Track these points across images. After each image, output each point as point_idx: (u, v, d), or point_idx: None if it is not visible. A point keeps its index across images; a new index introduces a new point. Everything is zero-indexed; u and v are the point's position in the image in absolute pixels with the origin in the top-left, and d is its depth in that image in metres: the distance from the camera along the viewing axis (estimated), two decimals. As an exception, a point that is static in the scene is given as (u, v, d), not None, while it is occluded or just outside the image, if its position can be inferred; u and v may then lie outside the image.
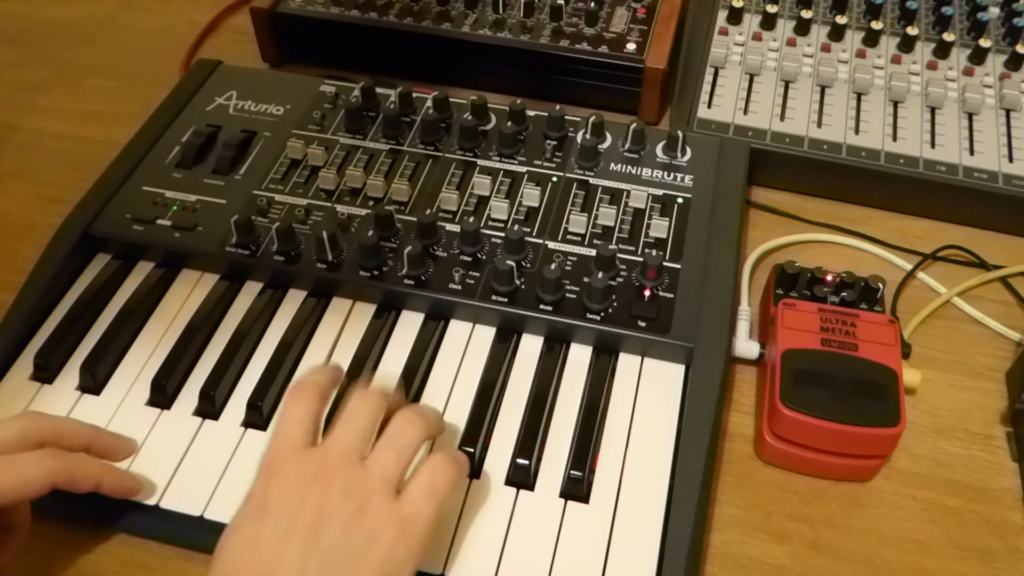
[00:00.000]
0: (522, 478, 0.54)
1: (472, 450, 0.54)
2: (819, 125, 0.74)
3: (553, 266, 0.61)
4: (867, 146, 0.72)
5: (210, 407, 0.57)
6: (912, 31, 0.79)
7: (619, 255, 0.62)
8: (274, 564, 0.42)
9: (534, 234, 0.64)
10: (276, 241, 0.62)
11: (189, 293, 0.64)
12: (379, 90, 0.74)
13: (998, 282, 0.68)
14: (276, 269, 0.63)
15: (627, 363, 0.59)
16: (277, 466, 0.46)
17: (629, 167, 0.69)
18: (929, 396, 0.61)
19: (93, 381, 0.58)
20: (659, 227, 0.64)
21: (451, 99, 0.73)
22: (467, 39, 0.80)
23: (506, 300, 0.60)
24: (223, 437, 0.56)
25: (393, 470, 0.46)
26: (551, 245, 0.63)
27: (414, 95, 0.73)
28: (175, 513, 0.53)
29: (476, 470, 0.54)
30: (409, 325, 0.62)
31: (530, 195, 0.66)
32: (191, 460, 0.55)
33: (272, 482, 0.45)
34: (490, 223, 0.65)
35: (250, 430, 0.56)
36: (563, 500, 0.53)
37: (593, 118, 0.70)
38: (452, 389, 0.58)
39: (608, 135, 0.71)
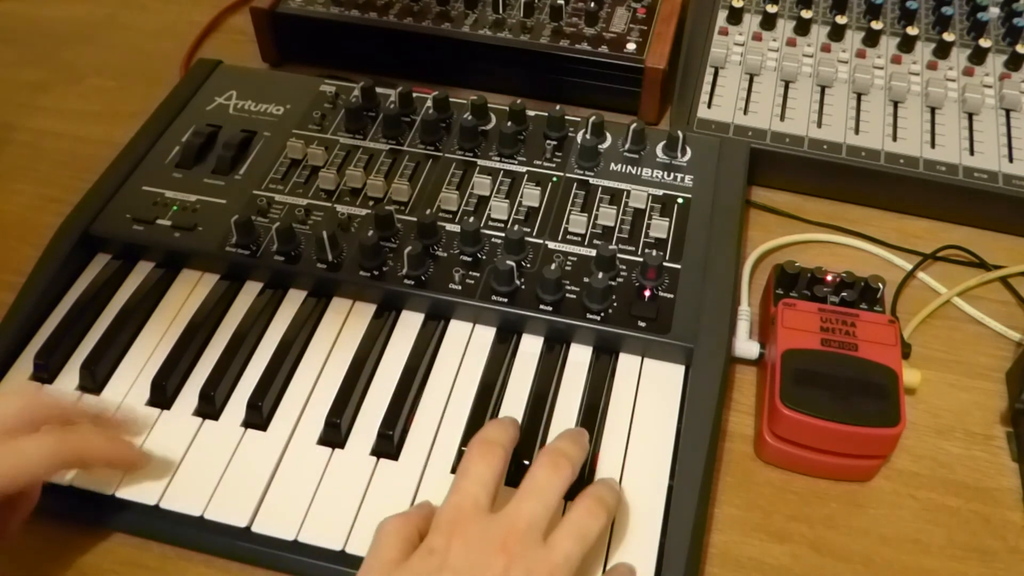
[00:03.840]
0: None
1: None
2: (819, 125, 0.74)
3: (553, 266, 0.61)
4: (867, 146, 0.72)
5: (210, 407, 0.57)
6: (912, 31, 0.79)
7: (619, 255, 0.62)
8: None
9: (534, 234, 0.64)
10: (276, 241, 0.62)
11: (189, 293, 0.64)
12: (379, 90, 0.74)
13: (998, 282, 0.68)
14: (276, 269, 0.63)
15: (627, 363, 0.59)
16: (461, 525, 0.45)
17: (629, 167, 0.69)
18: (929, 396, 0.61)
19: (93, 381, 0.58)
20: (659, 227, 0.64)
21: (451, 99, 0.73)
22: (467, 39, 0.80)
23: (506, 300, 0.60)
24: (223, 437, 0.56)
25: (575, 561, 0.45)
26: (551, 245, 0.63)
27: (414, 95, 0.73)
28: (175, 513, 0.53)
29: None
30: (409, 325, 0.62)
31: (530, 195, 0.66)
32: (191, 460, 0.55)
33: (455, 540, 0.44)
34: (490, 223, 0.65)
35: (250, 430, 0.56)
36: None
37: (593, 118, 0.70)
38: (452, 389, 0.58)
39: (608, 135, 0.71)
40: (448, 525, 0.45)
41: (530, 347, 0.61)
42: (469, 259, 0.62)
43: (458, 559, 0.43)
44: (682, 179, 0.68)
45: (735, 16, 0.82)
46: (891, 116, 0.74)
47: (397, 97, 0.73)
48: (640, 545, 0.51)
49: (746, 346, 0.62)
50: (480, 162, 0.69)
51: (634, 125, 0.70)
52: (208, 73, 0.77)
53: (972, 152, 0.72)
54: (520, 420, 0.56)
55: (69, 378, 0.59)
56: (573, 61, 0.79)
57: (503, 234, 0.63)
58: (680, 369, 0.59)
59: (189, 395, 0.58)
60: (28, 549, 0.51)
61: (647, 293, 0.60)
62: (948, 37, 0.78)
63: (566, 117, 0.71)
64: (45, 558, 0.53)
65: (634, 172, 0.68)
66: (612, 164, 0.69)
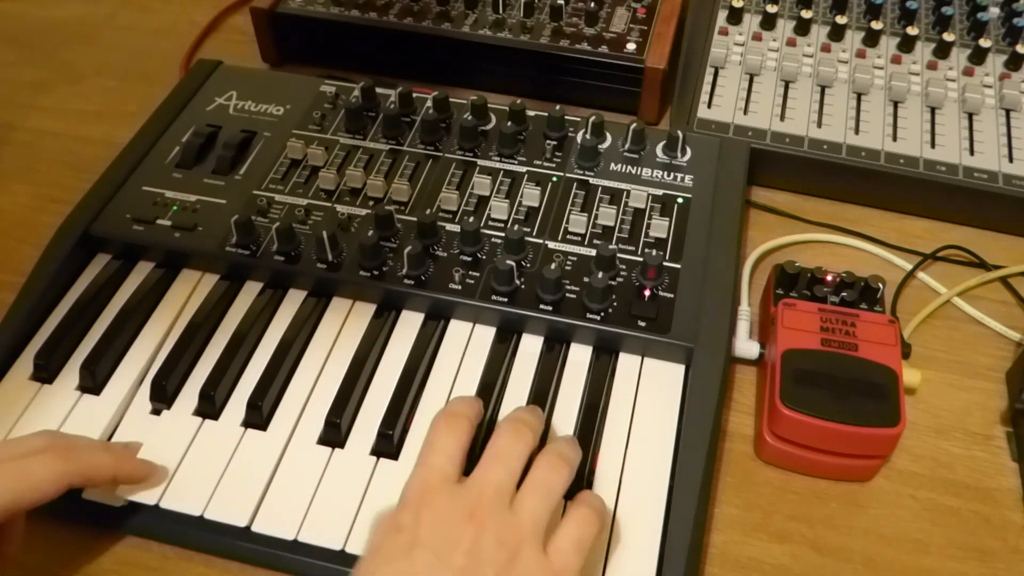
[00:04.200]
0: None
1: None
2: (819, 125, 0.74)
3: (553, 266, 0.61)
4: (867, 146, 0.72)
5: (210, 407, 0.57)
6: (912, 31, 0.79)
7: (619, 255, 0.62)
8: None
9: (534, 234, 0.64)
10: (276, 241, 0.62)
11: (189, 293, 0.64)
12: (379, 90, 0.74)
13: (998, 282, 0.68)
14: (276, 269, 0.63)
15: (627, 363, 0.59)
16: (429, 498, 0.45)
17: (629, 167, 0.69)
18: (929, 396, 0.61)
19: (93, 381, 0.58)
20: (659, 227, 0.64)
21: (451, 99, 0.73)
22: (467, 39, 0.80)
23: (506, 300, 0.60)
24: (223, 437, 0.56)
25: (543, 519, 0.45)
26: (551, 245, 0.63)
27: (414, 95, 0.73)
28: (175, 513, 0.53)
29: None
30: (409, 325, 0.62)
31: (530, 195, 0.66)
32: (191, 460, 0.55)
33: (424, 515, 0.44)
34: (490, 223, 0.65)
35: (250, 430, 0.56)
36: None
37: (593, 118, 0.70)
38: (452, 389, 0.58)
39: (608, 135, 0.71)
40: (416, 501, 0.45)
41: (530, 347, 0.60)
42: (469, 259, 0.62)
43: (428, 533, 0.43)
44: (682, 179, 0.68)
45: (735, 16, 0.82)
46: (891, 116, 0.74)
47: (397, 97, 0.73)
48: (640, 545, 0.51)
49: (746, 346, 0.62)
50: (480, 162, 0.69)
51: (634, 125, 0.70)
52: (208, 73, 0.77)
53: (972, 152, 0.72)
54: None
55: (69, 378, 0.59)
56: (573, 61, 0.79)
57: (503, 234, 0.63)
58: (680, 369, 0.59)
59: (189, 395, 0.58)
60: (28, 549, 0.51)
61: (647, 293, 0.60)
62: (948, 37, 0.78)
63: (566, 117, 0.71)
64: (45, 558, 0.53)
65: (634, 172, 0.68)
66: (612, 164, 0.69)
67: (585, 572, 0.49)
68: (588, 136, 0.70)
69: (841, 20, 0.80)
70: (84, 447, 0.51)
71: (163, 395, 0.57)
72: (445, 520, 0.44)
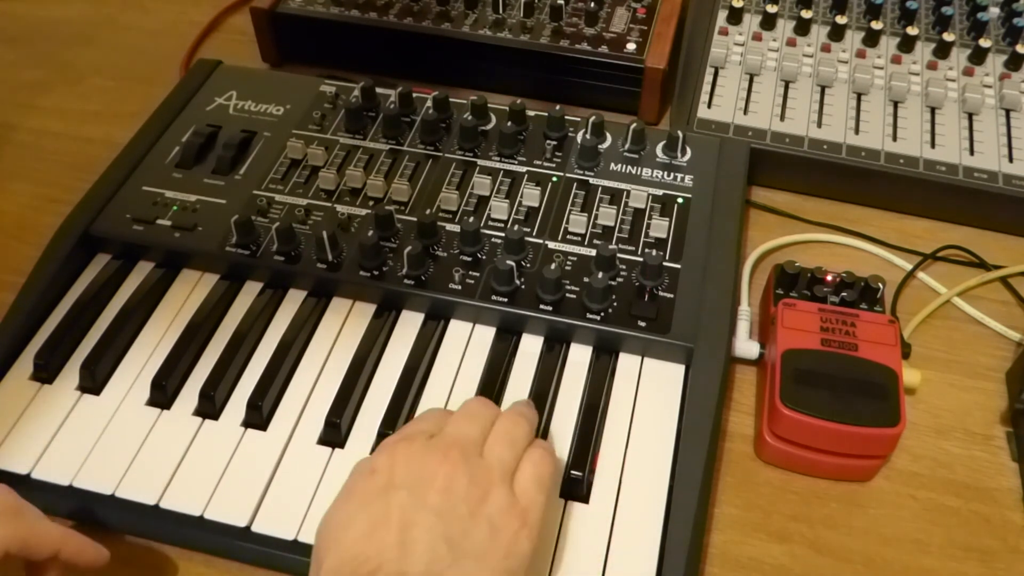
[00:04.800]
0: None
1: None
2: (819, 125, 0.74)
3: (553, 266, 0.61)
4: (867, 146, 0.72)
5: (210, 407, 0.57)
6: (912, 31, 0.79)
7: (619, 255, 0.62)
8: (401, 545, 0.42)
9: (534, 234, 0.64)
10: (276, 241, 0.62)
11: (189, 293, 0.64)
12: (379, 90, 0.74)
13: (998, 282, 0.68)
14: (276, 269, 0.63)
15: (627, 363, 0.59)
16: (404, 445, 0.46)
17: (629, 167, 0.69)
18: (929, 396, 0.61)
19: (93, 381, 0.58)
20: (659, 227, 0.64)
21: (451, 99, 0.73)
22: (467, 39, 0.80)
23: (506, 300, 0.60)
24: (223, 437, 0.56)
25: (509, 462, 0.47)
26: (551, 245, 0.63)
27: (414, 95, 0.73)
28: (175, 513, 0.53)
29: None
30: (409, 325, 0.62)
31: (530, 195, 0.66)
32: (191, 460, 0.55)
33: (399, 457, 0.46)
34: (490, 223, 0.65)
35: (250, 430, 0.56)
36: (563, 500, 0.53)
37: (593, 118, 0.70)
38: (452, 389, 0.58)
39: (608, 135, 0.71)
40: (391, 446, 0.47)
41: (530, 347, 0.61)
42: (469, 259, 0.62)
43: (402, 474, 0.45)
44: (682, 179, 0.68)
45: (735, 16, 0.82)
46: (891, 116, 0.74)
47: (397, 97, 0.73)
48: (640, 545, 0.51)
49: (746, 346, 0.62)
50: (480, 162, 0.69)
51: (634, 125, 0.70)
52: (208, 73, 0.77)
53: (972, 152, 0.72)
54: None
55: (69, 378, 0.59)
56: (573, 61, 0.79)
57: (503, 234, 0.63)
58: (680, 369, 0.59)
59: (189, 395, 0.58)
60: (28, 549, 0.51)
61: (647, 293, 0.60)
62: (948, 37, 0.78)
63: (566, 117, 0.71)
64: (45, 558, 0.53)
65: (634, 172, 0.68)
66: (612, 164, 0.69)
67: (585, 571, 0.50)
68: (588, 136, 0.70)
69: (841, 20, 0.80)
70: (33, 515, 0.47)
71: (163, 395, 0.57)
72: (419, 461, 0.45)
